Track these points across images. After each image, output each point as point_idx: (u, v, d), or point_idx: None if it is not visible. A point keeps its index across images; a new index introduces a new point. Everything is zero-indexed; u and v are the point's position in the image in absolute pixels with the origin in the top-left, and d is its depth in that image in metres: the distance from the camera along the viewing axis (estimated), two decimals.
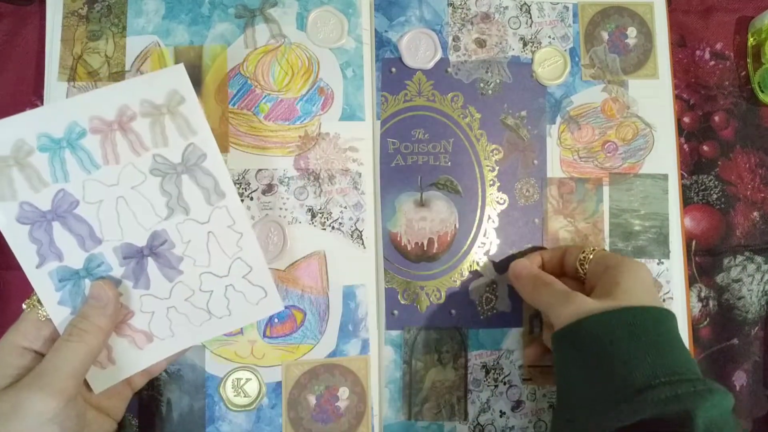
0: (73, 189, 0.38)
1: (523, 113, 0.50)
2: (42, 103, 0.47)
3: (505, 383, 0.48)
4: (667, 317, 0.38)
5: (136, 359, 0.41)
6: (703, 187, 0.52)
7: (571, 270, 0.45)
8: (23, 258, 0.38)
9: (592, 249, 0.44)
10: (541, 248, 0.48)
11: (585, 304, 0.38)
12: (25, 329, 0.37)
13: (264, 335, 0.46)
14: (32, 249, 0.38)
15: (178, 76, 0.38)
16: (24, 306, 0.38)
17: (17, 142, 0.37)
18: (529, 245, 0.49)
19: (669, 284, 0.49)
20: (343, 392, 0.47)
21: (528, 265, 0.45)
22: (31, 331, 0.37)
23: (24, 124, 0.37)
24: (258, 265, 0.42)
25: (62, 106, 0.39)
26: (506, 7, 0.50)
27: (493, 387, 0.48)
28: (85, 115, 0.37)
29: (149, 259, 0.40)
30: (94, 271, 0.39)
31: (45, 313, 0.37)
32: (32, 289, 0.47)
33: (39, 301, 0.38)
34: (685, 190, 0.51)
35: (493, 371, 0.48)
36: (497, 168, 0.49)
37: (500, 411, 0.48)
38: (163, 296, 0.40)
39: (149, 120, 0.38)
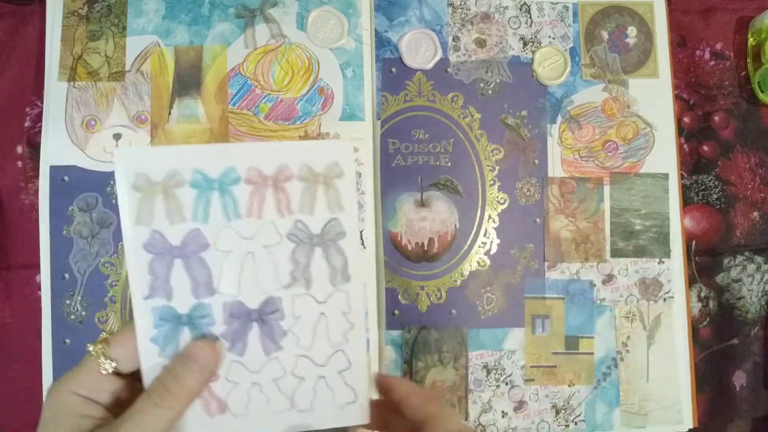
0: (208, 232, 0.36)
1: (524, 113, 0.50)
2: (42, 104, 0.47)
3: (506, 383, 0.48)
4: None
5: (202, 425, 0.38)
6: (703, 187, 0.52)
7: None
8: (136, 285, 0.36)
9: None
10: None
11: None
12: (84, 378, 0.34)
13: None
14: (147, 279, 0.36)
15: (345, 151, 0.37)
16: (89, 347, 0.35)
17: (172, 171, 0.36)
18: (531, 245, 0.49)
19: (669, 284, 0.49)
20: None
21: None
22: (90, 381, 0.34)
23: (184, 156, 0.36)
24: (359, 364, 0.39)
25: (226, 148, 0.38)
26: (506, 7, 0.50)
27: (494, 387, 0.48)
28: (245, 163, 0.36)
29: (255, 324, 0.38)
30: (197, 321, 0.37)
31: (107, 368, 0.35)
32: (32, 290, 0.47)
33: (104, 353, 0.35)
34: (685, 190, 0.51)
35: (494, 371, 0.48)
36: (497, 168, 0.49)
37: (502, 411, 0.48)
38: (253, 369, 0.38)
39: (303, 185, 0.37)
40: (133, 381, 0.35)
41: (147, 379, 0.36)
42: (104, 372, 0.34)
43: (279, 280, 0.37)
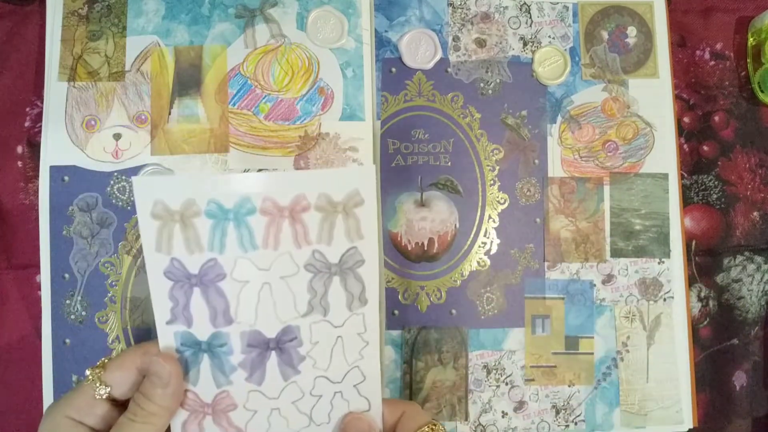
0: (224, 262, 0.36)
1: (524, 113, 0.50)
2: (42, 104, 0.47)
3: (507, 384, 0.48)
4: None
5: None
6: (703, 187, 0.52)
7: None
8: (158, 310, 0.36)
9: (431, 428, 0.37)
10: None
11: None
12: (79, 403, 0.35)
13: None
14: (168, 305, 0.36)
15: (367, 177, 0.35)
16: (87, 372, 0.36)
17: (188, 201, 0.35)
18: (531, 245, 0.49)
19: (669, 284, 0.49)
20: None
21: (366, 428, 0.39)
22: (84, 405, 0.35)
23: (199, 186, 0.35)
24: (373, 376, 0.39)
25: (241, 178, 0.37)
26: (506, 7, 0.50)
27: (494, 387, 0.48)
28: (260, 193, 0.35)
29: (273, 353, 0.37)
30: (216, 349, 0.37)
31: (102, 393, 0.35)
32: (32, 290, 0.47)
33: (100, 378, 0.35)
34: (685, 190, 0.51)
35: (494, 371, 0.48)
36: (497, 168, 0.49)
37: (502, 412, 0.48)
38: (272, 396, 0.38)
39: (321, 215, 0.36)
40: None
41: None
42: (98, 397, 0.35)
43: (296, 310, 0.37)
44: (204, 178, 0.37)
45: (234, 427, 0.38)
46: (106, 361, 0.36)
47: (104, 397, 0.35)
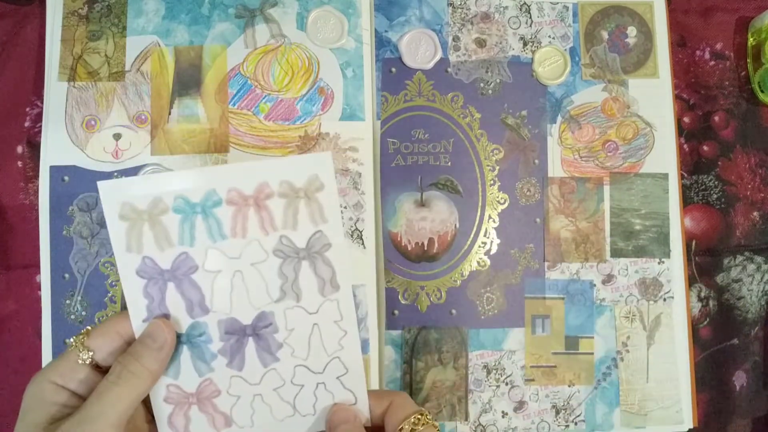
0: (196, 254, 0.37)
1: (524, 113, 0.50)
2: (42, 104, 0.47)
3: (507, 384, 0.48)
4: None
5: None
6: (703, 187, 0.52)
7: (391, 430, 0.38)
8: (133, 309, 0.37)
9: (418, 418, 0.36)
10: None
11: None
12: (63, 368, 0.35)
13: None
14: (143, 303, 0.37)
15: (324, 163, 0.37)
16: (71, 341, 0.36)
17: (155, 199, 0.36)
18: (531, 245, 0.49)
19: (669, 284, 0.49)
20: None
21: (352, 418, 0.39)
22: (67, 370, 0.35)
23: (165, 184, 0.37)
24: (355, 368, 0.40)
25: (205, 172, 0.38)
26: (506, 7, 0.50)
27: (494, 387, 0.48)
28: (224, 185, 0.37)
29: (250, 339, 0.38)
30: (195, 339, 0.38)
31: (85, 357, 0.36)
32: (32, 289, 0.47)
33: (83, 343, 0.36)
34: (685, 190, 0.51)
35: (494, 371, 0.48)
36: (497, 168, 0.49)
37: (502, 412, 0.48)
38: (253, 381, 0.39)
39: (285, 201, 0.37)
40: None
41: (154, 403, 0.38)
42: (81, 362, 0.35)
43: (269, 295, 0.38)
44: (168, 175, 0.38)
45: (219, 412, 0.39)
46: (90, 328, 0.36)
47: (87, 362, 0.35)
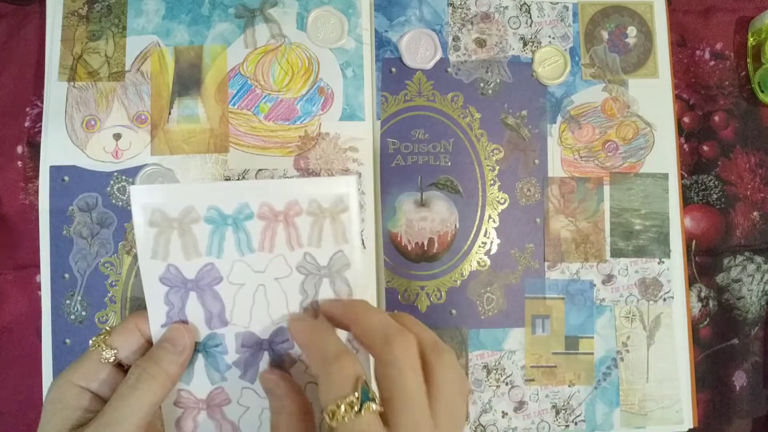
0: (222, 266, 0.37)
1: (524, 113, 0.50)
2: (42, 104, 0.47)
3: (507, 384, 0.48)
4: None
5: None
6: (703, 187, 0.52)
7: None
8: (153, 315, 0.37)
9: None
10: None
11: None
12: (85, 369, 0.35)
13: None
14: (164, 309, 0.37)
15: (350, 186, 0.38)
16: (90, 342, 0.36)
17: (187, 208, 0.37)
18: (531, 245, 0.49)
19: (669, 284, 0.49)
20: None
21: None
22: (91, 371, 0.35)
23: (199, 194, 0.37)
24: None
25: (240, 186, 0.39)
26: (506, 7, 0.50)
27: (494, 387, 0.48)
28: (257, 199, 0.37)
29: (265, 353, 0.39)
30: (211, 349, 0.38)
31: (108, 356, 0.36)
32: (32, 289, 0.47)
33: (105, 342, 0.36)
34: (685, 190, 0.51)
35: (494, 371, 0.48)
36: (497, 168, 0.49)
37: (502, 412, 0.48)
38: (264, 395, 0.39)
39: (311, 219, 0.38)
40: None
41: (164, 405, 0.38)
42: (104, 361, 0.35)
43: (289, 311, 0.38)
44: (203, 185, 0.39)
45: (228, 421, 0.39)
46: (109, 329, 0.36)
47: (111, 360, 0.35)
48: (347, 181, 0.38)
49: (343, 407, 0.29)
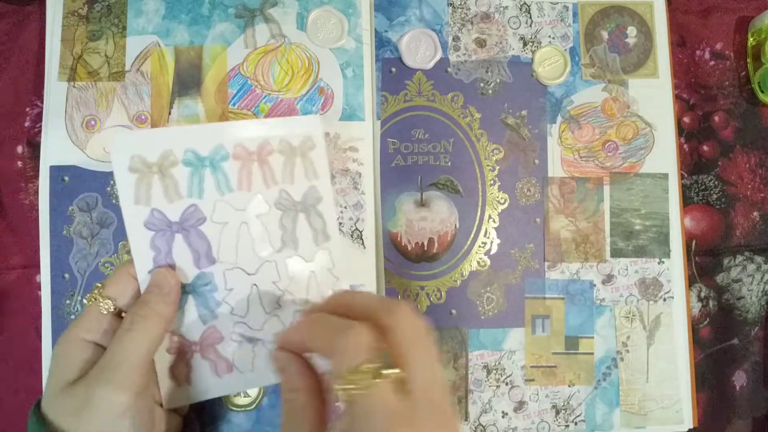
0: (204, 206, 0.39)
1: (524, 113, 0.50)
2: (42, 104, 0.47)
3: (507, 384, 0.48)
4: None
5: (213, 386, 0.41)
6: (703, 187, 0.52)
7: None
8: (139, 261, 0.38)
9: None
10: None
11: None
12: (87, 322, 0.36)
13: None
14: (150, 255, 0.38)
15: (316, 124, 0.42)
16: (85, 301, 0.38)
17: (165, 152, 0.38)
18: (531, 245, 0.49)
19: (669, 284, 0.49)
20: None
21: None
22: (93, 324, 0.36)
23: (175, 137, 0.39)
24: None
25: (214, 127, 0.41)
26: (506, 7, 0.50)
27: (494, 387, 0.48)
28: (231, 140, 0.39)
29: (254, 288, 0.40)
30: (200, 289, 0.39)
31: (107, 306, 0.37)
32: (32, 289, 0.47)
33: (101, 294, 0.37)
34: (685, 190, 0.51)
35: (494, 371, 0.48)
36: (497, 168, 0.49)
37: (502, 412, 0.48)
38: (255, 327, 0.41)
39: (284, 158, 0.41)
40: None
41: (156, 355, 0.38)
42: (104, 312, 0.36)
43: (272, 245, 0.40)
44: (179, 129, 0.40)
45: (222, 358, 0.40)
46: (100, 284, 0.38)
47: (111, 310, 0.37)
48: (311, 120, 0.41)
49: (360, 374, 0.27)
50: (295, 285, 0.41)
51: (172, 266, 0.39)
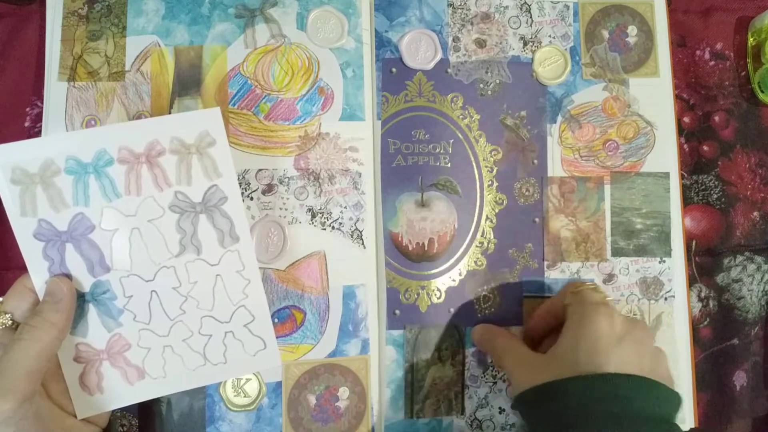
0: (91, 214, 0.38)
1: (523, 113, 0.50)
2: (42, 104, 0.47)
3: (504, 380, 0.48)
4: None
5: (125, 394, 0.41)
6: (703, 187, 0.52)
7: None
8: (34, 272, 0.38)
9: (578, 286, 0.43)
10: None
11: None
12: None
13: None
14: (44, 265, 0.38)
15: (213, 118, 0.39)
16: None
17: (46, 161, 0.37)
18: (530, 244, 0.49)
19: (670, 282, 0.49)
20: (343, 392, 0.47)
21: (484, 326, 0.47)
22: None
23: (55, 146, 0.38)
24: (261, 315, 0.41)
25: (95, 132, 0.40)
26: (506, 7, 0.50)
27: (491, 383, 0.48)
28: (115, 144, 0.38)
29: (154, 294, 0.40)
30: (99, 297, 0.39)
31: (4, 321, 0.37)
32: None
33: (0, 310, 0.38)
34: (685, 190, 0.51)
35: (491, 368, 0.48)
36: (496, 168, 0.49)
37: (499, 408, 0.48)
38: (161, 333, 0.40)
39: (176, 158, 0.39)
40: None
41: (65, 364, 0.39)
42: (2, 327, 0.37)
43: (169, 250, 0.39)
44: (58, 136, 0.40)
45: (132, 365, 0.40)
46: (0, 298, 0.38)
47: (8, 324, 0.37)
48: (209, 114, 0.39)
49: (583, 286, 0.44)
50: (199, 290, 0.40)
51: (68, 276, 0.38)
